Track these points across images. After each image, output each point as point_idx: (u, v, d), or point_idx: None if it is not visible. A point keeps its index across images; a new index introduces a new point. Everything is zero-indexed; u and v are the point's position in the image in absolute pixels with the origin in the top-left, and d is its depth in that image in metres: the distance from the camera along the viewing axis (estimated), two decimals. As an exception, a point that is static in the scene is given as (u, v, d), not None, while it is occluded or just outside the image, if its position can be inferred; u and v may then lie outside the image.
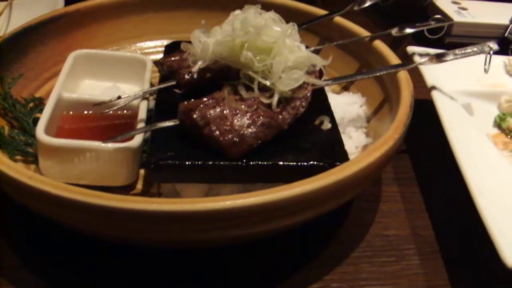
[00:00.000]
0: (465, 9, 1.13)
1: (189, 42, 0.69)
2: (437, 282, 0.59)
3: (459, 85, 0.82)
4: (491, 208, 0.58)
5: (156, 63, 0.75)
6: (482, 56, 0.78)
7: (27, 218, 0.61)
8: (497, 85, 0.87)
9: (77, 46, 0.80)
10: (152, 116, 0.66)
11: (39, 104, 0.72)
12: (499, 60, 0.91)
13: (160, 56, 0.78)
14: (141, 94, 0.67)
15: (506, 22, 1.11)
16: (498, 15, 1.12)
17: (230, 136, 0.56)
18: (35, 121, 0.67)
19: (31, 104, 0.71)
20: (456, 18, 1.08)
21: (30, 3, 1.06)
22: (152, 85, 0.72)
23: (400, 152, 0.78)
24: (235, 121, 0.57)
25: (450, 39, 1.04)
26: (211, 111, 0.57)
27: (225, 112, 0.57)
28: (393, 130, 0.59)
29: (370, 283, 0.58)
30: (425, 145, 0.79)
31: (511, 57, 0.93)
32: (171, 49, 0.77)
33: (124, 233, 0.52)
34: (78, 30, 0.84)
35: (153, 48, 0.89)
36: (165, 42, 0.84)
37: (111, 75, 0.77)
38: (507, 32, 1.09)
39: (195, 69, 0.63)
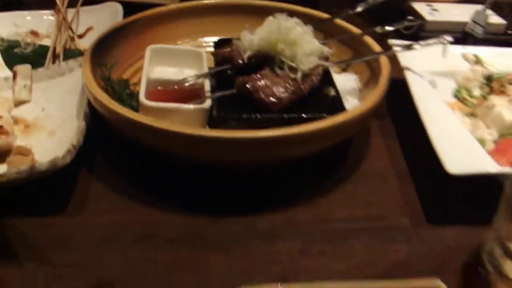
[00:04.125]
0: (436, 10, 1.33)
1: (238, 39, 0.91)
2: (409, 192, 0.81)
3: (425, 66, 0.99)
4: (440, 137, 0.79)
5: (212, 53, 0.95)
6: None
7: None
8: (455, 66, 1.04)
9: (151, 42, 0.98)
10: (213, 88, 0.86)
11: (127, 83, 0.90)
12: (458, 48, 1.10)
13: (210, 49, 0.99)
14: (204, 74, 0.88)
15: (467, 19, 1.29)
16: (462, 14, 1.31)
17: (271, 98, 0.80)
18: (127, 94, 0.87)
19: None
20: (428, 17, 1.28)
21: (93, 10, 1.23)
22: (209, 69, 0.92)
23: (384, 116, 0.99)
24: (274, 88, 0.81)
25: (425, 34, 1.21)
26: (258, 82, 0.81)
27: (267, 83, 0.81)
28: (375, 94, 0.81)
29: (365, 198, 0.80)
30: (401, 110, 0.95)
31: (465, 46, 1.11)
32: (219, 44, 0.97)
33: (192, 153, 0.75)
34: (150, 30, 1.03)
35: (206, 43, 1.08)
36: (215, 39, 1.02)
37: (176, 63, 0.95)
38: (466, 27, 1.28)
39: (245, 56, 0.86)
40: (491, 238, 0.66)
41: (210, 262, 0.68)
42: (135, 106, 0.83)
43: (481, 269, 0.68)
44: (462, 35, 1.26)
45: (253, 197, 0.80)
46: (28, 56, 1.12)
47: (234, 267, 0.66)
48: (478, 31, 1.28)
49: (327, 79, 0.90)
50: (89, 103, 0.84)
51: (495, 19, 1.31)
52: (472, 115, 0.96)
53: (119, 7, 1.20)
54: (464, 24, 1.29)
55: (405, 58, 0.99)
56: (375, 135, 0.95)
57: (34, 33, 1.21)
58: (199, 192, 0.80)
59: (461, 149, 0.80)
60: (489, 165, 0.77)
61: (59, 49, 1.12)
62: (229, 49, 0.92)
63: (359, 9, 1.05)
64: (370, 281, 0.64)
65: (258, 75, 0.83)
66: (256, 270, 0.67)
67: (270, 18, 0.89)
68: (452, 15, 1.32)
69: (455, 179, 0.73)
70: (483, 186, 0.72)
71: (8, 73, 1.03)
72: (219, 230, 0.73)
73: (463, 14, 1.31)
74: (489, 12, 1.30)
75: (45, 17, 1.24)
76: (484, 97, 0.98)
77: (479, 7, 1.32)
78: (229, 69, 0.89)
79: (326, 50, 0.89)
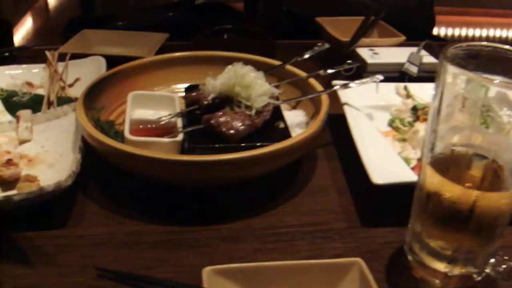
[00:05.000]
0: (377, 53, 1.49)
1: (203, 84, 1.07)
2: (346, 202, 0.97)
3: (362, 101, 1.14)
4: (369, 155, 0.94)
5: (183, 97, 1.11)
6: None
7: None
8: (390, 100, 1.20)
9: (132, 88, 1.13)
10: (184, 125, 1.01)
11: (113, 123, 1.05)
12: (392, 85, 1.26)
13: (182, 93, 1.15)
14: (176, 114, 1.03)
15: (404, 60, 1.44)
16: (400, 56, 1.46)
17: (231, 131, 0.95)
18: (114, 133, 1.02)
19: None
20: (369, 60, 1.44)
21: (80, 63, 1.39)
22: (181, 110, 1.06)
23: (328, 144, 1.14)
24: (233, 123, 0.96)
25: (367, 74, 1.29)
26: (220, 119, 0.96)
27: (227, 119, 0.96)
28: (315, 124, 0.95)
29: (309, 208, 0.95)
30: (342, 139, 1.08)
31: (399, 83, 1.26)
32: (188, 90, 1.13)
33: (168, 175, 0.90)
34: (131, 78, 1.18)
35: (177, 89, 1.23)
36: (185, 85, 1.18)
37: (153, 106, 1.09)
38: (403, 67, 1.42)
39: (209, 98, 1.03)
40: (410, 234, 0.80)
41: (182, 259, 0.85)
42: (121, 142, 0.96)
43: (403, 259, 0.81)
44: (400, 74, 1.39)
45: (217, 210, 0.97)
46: (25, 103, 1.28)
47: (202, 262, 0.79)
48: (414, 70, 1.43)
49: (277, 114, 1.05)
50: (82, 139, 1.01)
51: (428, 59, 1.47)
52: (403, 140, 1.13)
53: (102, 60, 1.34)
54: (402, 64, 1.42)
55: (346, 95, 1.14)
56: (321, 159, 1.10)
57: (29, 84, 1.37)
58: (173, 207, 0.97)
59: (387, 164, 0.97)
60: (408, 176, 0.95)
61: (53, 97, 1.29)
62: (196, 93, 1.10)
63: (306, 56, 1.24)
64: (300, 261, 0.79)
65: (220, 113, 0.98)
66: (221, 264, 0.80)
67: (229, 66, 1.07)
68: (391, 57, 1.47)
69: (383, 190, 0.90)
70: (405, 195, 0.85)
71: (9, 117, 1.22)
72: (190, 236, 0.90)
73: (401, 56, 1.45)
74: (423, 52, 1.48)
75: (37, 70, 1.40)
76: (411, 124, 1.16)
77: (415, 49, 1.49)
78: (197, 109, 1.05)
79: (275, 91, 1.05)
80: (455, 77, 0.68)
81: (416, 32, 1.72)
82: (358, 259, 0.75)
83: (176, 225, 0.92)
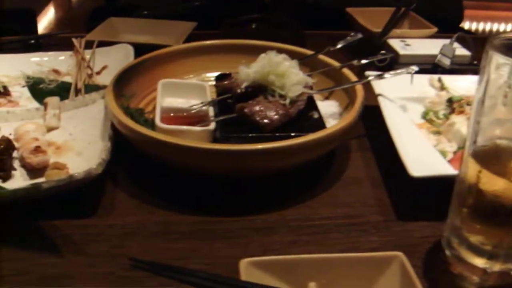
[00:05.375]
0: (409, 45, 1.47)
1: (235, 73, 1.06)
2: (381, 194, 0.95)
3: (395, 93, 1.11)
4: (405, 147, 0.92)
5: (214, 85, 1.09)
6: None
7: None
8: (424, 93, 1.18)
9: (162, 76, 1.12)
10: (216, 114, 1.00)
11: (142, 111, 1.05)
12: (425, 77, 1.24)
13: (211, 83, 1.13)
14: (208, 102, 1.03)
15: (436, 52, 1.41)
16: (432, 48, 1.43)
17: (265, 120, 0.94)
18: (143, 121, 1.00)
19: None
20: (401, 51, 1.42)
21: (107, 50, 1.38)
22: (212, 99, 1.05)
23: (361, 136, 1.12)
24: (267, 112, 0.94)
25: (398, 66, 1.25)
26: (254, 107, 0.95)
27: (261, 108, 0.95)
28: (350, 115, 0.94)
29: (344, 200, 0.94)
30: (376, 131, 1.07)
31: (433, 75, 1.24)
32: (219, 78, 1.10)
33: (201, 164, 0.89)
34: (161, 66, 1.17)
35: (208, 77, 1.21)
36: (215, 73, 1.15)
37: (183, 95, 1.09)
38: (436, 59, 1.40)
39: (243, 86, 1.02)
40: (448, 228, 0.80)
41: (214, 250, 0.83)
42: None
43: (441, 254, 0.79)
44: (432, 66, 1.37)
45: (250, 201, 0.95)
46: (52, 91, 1.27)
47: (236, 254, 0.79)
48: (446, 62, 1.41)
49: (311, 104, 1.03)
50: (111, 127, 0.99)
51: (461, 51, 1.44)
52: (437, 133, 1.11)
53: (130, 48, 1.33)
54: (434, 56, 1.40)
55: (379, 86, 1.13)
56: (354, 151, 1.08)
57: (56, 71, 1.37)
58: (204, 196, 0.96)
59: (423, 156, 0.95)
60: (445, 169, 0.93)
61: (80, 84, 1.28)
62: (228, 82, 1.09)
63: (338, 46, 1.20)
64: (338, 254, 0.76)
65: (253, 102, 0.98)
66: (255, 256, 0.79)
67: (263, 54, 1.05)
68: (423, 48, 1.44)
69: (420, 182, 0.89)
70: (443, 188, 0.83)
71: (36, 104, 1.21)
72: (222, 226, 0.88)
73: (433, 47, 1.42)
74: (456, 45, 1.44)
75: (63, 57, 1.39)
76: (447, 117, 1.13)
77: (447, 41, 1.45)
78: (229, 98, 1.03)
79: (309, 80, 1.03)
80: (499, 68, 0.67)
81: (445, 25, 1.70)
82: (399, 253, 0.72)
83: (208, 215, 0.91)
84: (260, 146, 0.87)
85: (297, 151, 0.88)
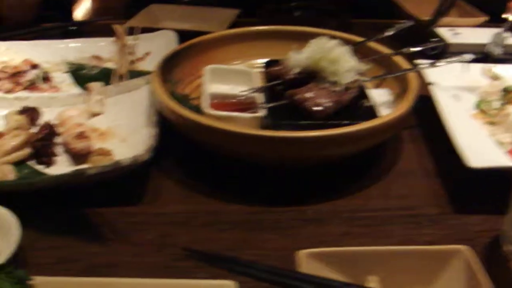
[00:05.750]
0: (458, 33, 1.42)
1: (284, 59, 1.03)
2: (436, 186, 0.92)
3: (449, 82, 1.09)
4: (462, 137, 0.90)
5: (265, 71, 1.07)
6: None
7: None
8: (476, 82, 1.15)
9: (207, 62, 1.10)
10: (265, 101, 0.98)
11: (188, 97, 1.03)
12: (478, 66, 1.20)
13: (258, 69, 1.12)
14: (258, 88, 1.01)
15: (487, 41, 1.36)
16: (482, 37, 1.38)
17: (317, 107, 0.92)
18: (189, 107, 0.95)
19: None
20: (451, 40, 1.37)
21: (150, 37, 1.36)
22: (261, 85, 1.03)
23: (414, 126, 1.09)
24: (319, 99, 0.92)
25: (448, 55, 1.19)
26: (306, 94, 0.93)
27: (313, 95, 0.93)
28: (404, 104, 0.91)
29: (397, 192, 0.92)
30: (427, 121, 1.05)
31: (485, 64, 1.21)
32: (269, 64, 1.09)
33: (251, 151, 0.87)
34: (207, 52, 1.15)
35: (254, 64, 1.19)
36: (262, 60, 1.15)
37: (229, 81, 1.06)
38: (486, 48, 1.35)
39: (294, 72, 0.99)
40: (508, 223, 0.77)
41: (265, 241, 0.81)
42: (198, 116, 0.94)
43: (500, 249, 0.78)
44: (483, 55, 1.30)
45: (300, 191, 0.93)
46: (94, 76, 1.26)
47: (287, 246, 0.77)
48: (497, 51, 1.36)
49: (363, 92, 1.01)
50: (157, 113, 0.97)
51: None
52: (492, 123, 1.06)
53: (173, 34, 1.32)
54: (484, 45, 1.35)
55: (431, 75, 1.10)
56: (406, 141, 1.05)
57: (97, 57, 1.35)
58: (253, 186, 0.93)
59: (480, 147, 0.92)
60: (504, 160, 0.89)
61: (123, 70, 1.26)
62: (278, 68, 1.05)
63: (388, 33, 1.17)
64: (398, 247, 0.74)
65: (305, 88, 0.95)
66: (307, 248, 0.76)
67: (313, 40, 1.02)
68: (473, 37, 1.39)
69: (477, 174, 0.85)
70: (501, 180, 0.82)
71: (78, 90, 1.20)
72: (272, 217, 0.86)
73: (483, 36, 1.40)
74: (507, 34, 1.39)
75: (103, 43, 1.37)
76: (501, 107, 1.09)
77: (497, 30, 1.40)
78: (279, 85, 1.01)
79: (362, 67, 1.01)
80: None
81: (492, 14, 1.61)
82: (463, 247, 0.69)
83: (257, 205, 0.88)
84: (312, 133, 0.84)
85: (350, 140, 0.86)
